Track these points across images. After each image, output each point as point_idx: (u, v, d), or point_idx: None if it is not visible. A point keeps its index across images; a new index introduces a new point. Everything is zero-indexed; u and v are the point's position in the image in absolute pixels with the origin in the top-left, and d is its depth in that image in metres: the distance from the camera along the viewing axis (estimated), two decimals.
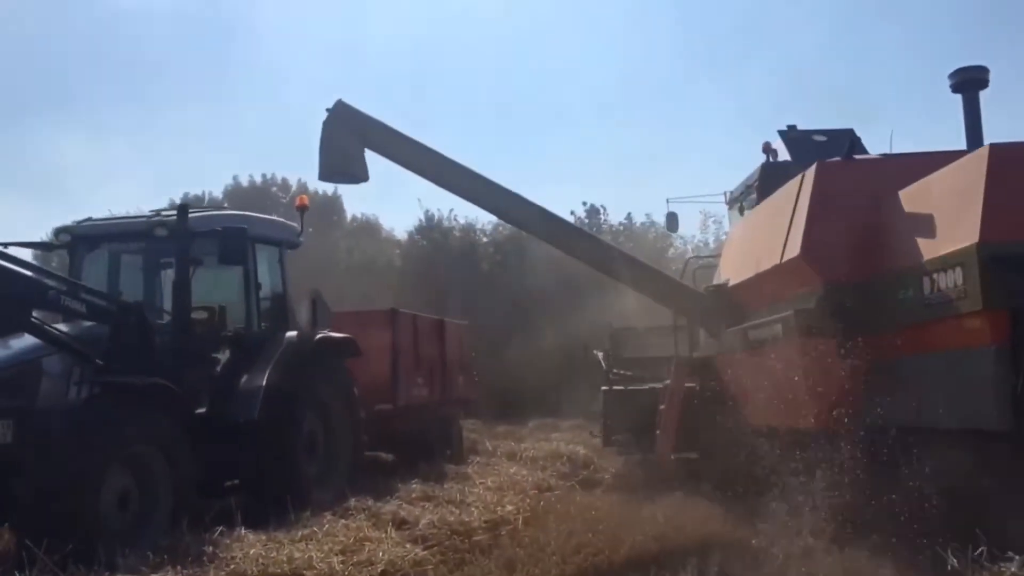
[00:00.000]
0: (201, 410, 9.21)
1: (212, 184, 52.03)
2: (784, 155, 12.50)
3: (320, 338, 10.53)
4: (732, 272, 9.93)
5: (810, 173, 8.02)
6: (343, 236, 40.29)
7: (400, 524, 8.47)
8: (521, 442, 19.00)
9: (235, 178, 40.45)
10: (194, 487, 8.21)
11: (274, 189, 40.63)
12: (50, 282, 7.86)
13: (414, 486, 10.66)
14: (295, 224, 11.16)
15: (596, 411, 14.23)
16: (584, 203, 39.09)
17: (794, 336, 7.66)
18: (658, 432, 11.48)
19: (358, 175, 10.08)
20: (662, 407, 11.43)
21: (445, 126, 52.68)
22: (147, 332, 8.59)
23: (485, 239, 36.97)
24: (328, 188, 40.98)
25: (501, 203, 10.36)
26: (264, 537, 7.54)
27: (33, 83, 51.01)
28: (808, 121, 13.11)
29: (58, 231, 9.49)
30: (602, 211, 38.22)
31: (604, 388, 13.66)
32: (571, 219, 39.44)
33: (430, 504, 9.80)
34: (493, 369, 28.42)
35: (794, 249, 7.73)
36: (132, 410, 7.75)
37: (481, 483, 11.61)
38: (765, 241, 8.66)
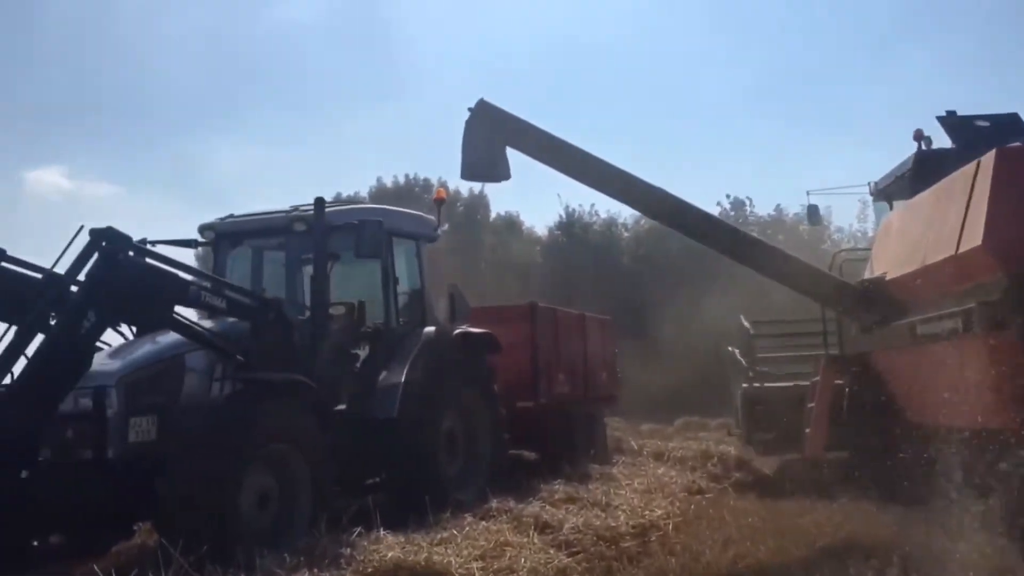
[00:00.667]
0: (340, 407, 9.08)
1: (358, 185, 53.45)
2: (938, 143, 12.06)
3: (459, 333, 10.27)
4: (889, 265, 9.50)
5: (988, 159, 7.55)
6: (487, 234, 40.51)
7: (543, 528, 8.06)
8: (668, 441, 18.39)
9: (379, 179, 41.21)
10: (334, 486, 8.05)
11: (417, 189, 41.16)
12: (192, 278, 7.85)
13: (557, 487, 10.23)
14: (432, 217, 10.94)
15: (734, 408, 14.05)
16: (728, 195, 37.91)
17: (977, 330, 7.30)
18: (807, 431, 11.19)
19: (500, 174, 9.97)
20: (810, 405, 11.11)
21: (583, 121, 52.22)
22: (287, 328, 8.51)
23: (627, 233, 36.29)
24: (475, 187, 41.36)
25: (643, 198, 10.16)
26: (402, 539, 7.29)
27: (200, 94, 53.63)
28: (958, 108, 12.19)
29: (202, 228, 9.59)
30: (748, 203, 36.91)
31: (744, 385, 13.48)
32: (716, 211, 38.62)
33: (574, 507, 9.36)
34: (637, 366, 27.90)
35: (974, 239, 7.31)
36: (272, 407, 7.65)
37: (628, 485, 11.09)
38: (933, 232, 8.27)
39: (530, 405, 12.31)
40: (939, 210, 8.41)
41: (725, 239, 10.39)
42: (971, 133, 11.29)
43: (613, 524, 8.37)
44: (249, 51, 56.13)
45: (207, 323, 8.37)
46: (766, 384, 13.35)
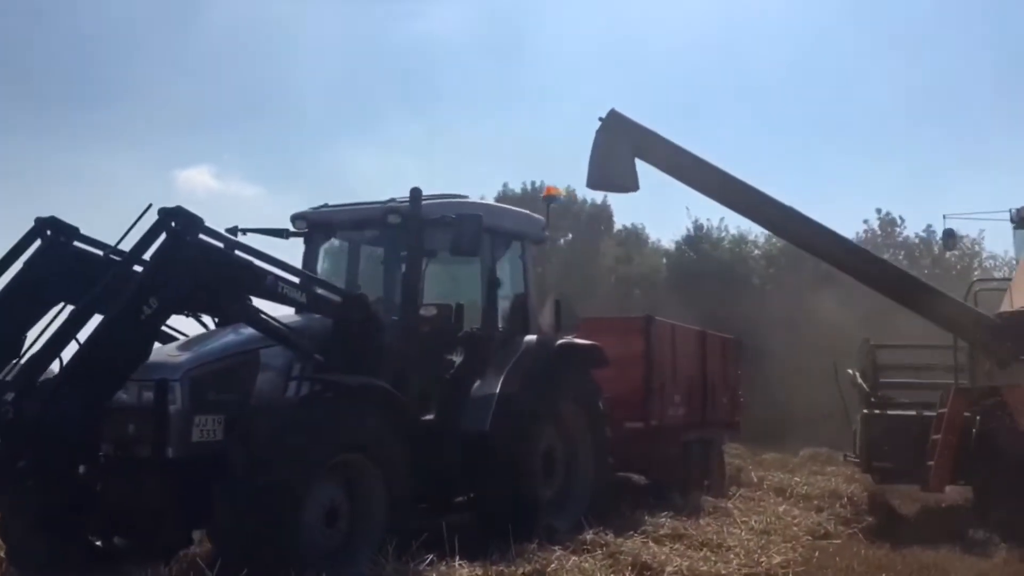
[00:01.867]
0: (428, 417, 8.38)
1: (485, 191, 53.46)
2: None
3: (562, 344, 9.41)
4: None
5: None
6: (610, 246, 39.55)
7: (641, 570, 7.13)
8: (791, 474, 17.02)
9: (505, 185, 40.73)
10: (413, 504, 7.32)
11: (542, 195, 40.58)
12: (271, 268, 7.27)
13: (664, 521, 9.20)
14: (541, 217, 10.12)
15: (852, 433, 13.67)
16: (878, 210, 35.71)
17: None
18: (930, 463, 10.95)
19: (628, 185, 9.99)
20: (935, 436, 10.90)
21: (720, 135, 50.69)
22: (375, 329, 7.85)
23: (757, 251, 34.63)
24: (598, 196, 40.46)
25: (778, 219, 10.06)
26: (480, 571, 6.47)
27: (341, 100, 54.71)
28: None
29: (294, 217, 9.04)
30: (899, 222, 34.66)
31: (864, 411, 13.17)
32: (863, 228, 36.50)
33: (680, 546, 8.36)
34: (762, 390, 26.42)
35: None
36: (347, 413, 6.97)
37: (744, 523, 9.96)
38: None
39: (640, 426, 11.35)
40: None
41: (860, 266, 10.16)
42: None
43: (724, 572, 7.31)
44: (390, 60, 57.07)
45: (291, 318, 7.80)
46: (888, 412, 12.97)
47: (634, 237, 40.52)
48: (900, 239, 33.93)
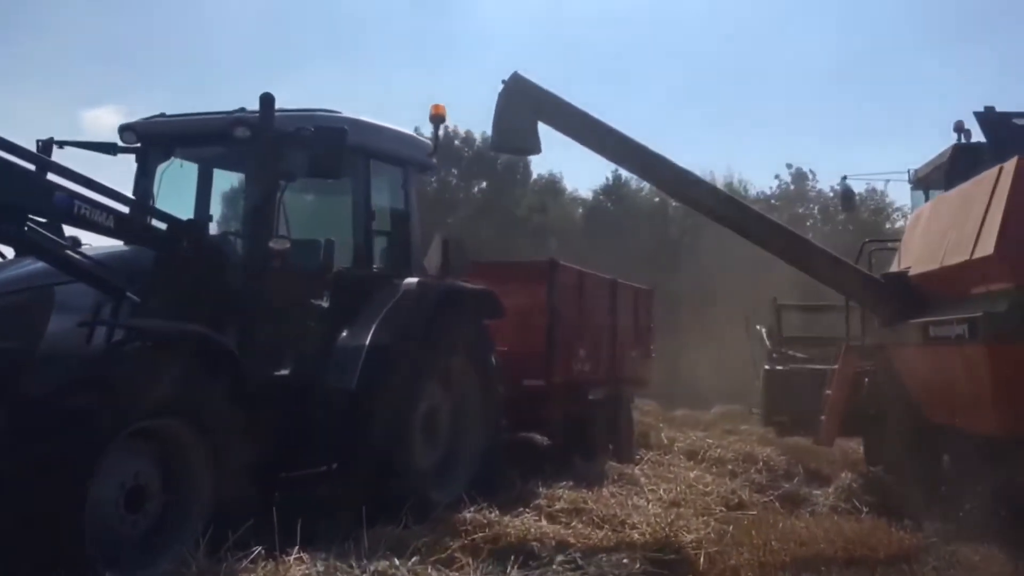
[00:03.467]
0: (281, 373, 7.01)
1: None
2: (978, 136, 11.57)
3: (450, 288, 8.09)
4: (914, 260, 9.40)
5: (1010, 166, 7.41)
6: (525, 195, 38.30)
7: (526, 559, 5.89)
8: (704, 433, 16.20)
9: (417, 129, 38.93)
10: (247, 481, 5.93)
11: (457, 143, 38.94)
12: (69, 184, 5.73)
13: (561, 492, 8.03)
14: (427, 140, 8.70)
15: (758, 388, 13.98)
16: (789, 165, 35.27)
17: (981, 340, 7.28)
18: (823, 417, 11.17)
19: (530, 147, 9.76)
20: (828, 391, 11.14)
21: (644, 97, 49.94)
22: (210, 264, 6.41)
23: (676, 202, 33.74)
24: None
25: (672, 182, 9.94)
26: (321, 567, 5.16)
27: (253, 43, 51.87)
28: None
29: (122, 129, 7.43)
30: (810, 176, 34.23)
31: (766, 367, 13.64)
32: (775, 184, 36.11)
33: (578, 523, 7.18)
34: (676, 344, 25.72)
35: (987, 247, 7.31)
36: (155, 367, 5.51)
37: (652, 491, 8.90)
38: (954, 232, 8.23)
39: (540, 384, 10.14)
40: (962, 210, 8.28)
41: (748, 224, 9.88)
42: (1007, 131, 10.73)
43: (626, 559, 6.14)
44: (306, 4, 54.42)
45: (106, 251, 6.30)
46: (787, 367, 13.45)
47: (551, 187, 39.36)
48: (813, 193, 33.55)
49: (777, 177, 35.40)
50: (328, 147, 6.56)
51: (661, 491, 8.92)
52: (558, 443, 11.10)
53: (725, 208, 10.13)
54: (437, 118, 8.46)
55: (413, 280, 7.92)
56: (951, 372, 8.20)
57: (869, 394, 10.95)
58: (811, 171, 34.50)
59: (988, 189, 7.80)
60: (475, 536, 6.25)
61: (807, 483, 10.58)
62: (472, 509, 6.82)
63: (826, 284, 10.34)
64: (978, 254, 7.55)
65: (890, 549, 7.57)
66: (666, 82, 53.67)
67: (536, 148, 9.80)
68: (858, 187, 31.15)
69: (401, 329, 7.39)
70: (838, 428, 11.19)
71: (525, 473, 8.76)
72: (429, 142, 8.67)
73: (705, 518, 8.19)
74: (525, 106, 9.41)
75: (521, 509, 7.27)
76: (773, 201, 34.67)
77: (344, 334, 7.35)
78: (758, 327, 15.55)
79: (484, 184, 38.81)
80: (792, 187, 34.25)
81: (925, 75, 51.04)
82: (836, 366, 11.32)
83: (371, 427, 7.03)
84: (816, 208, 34.00)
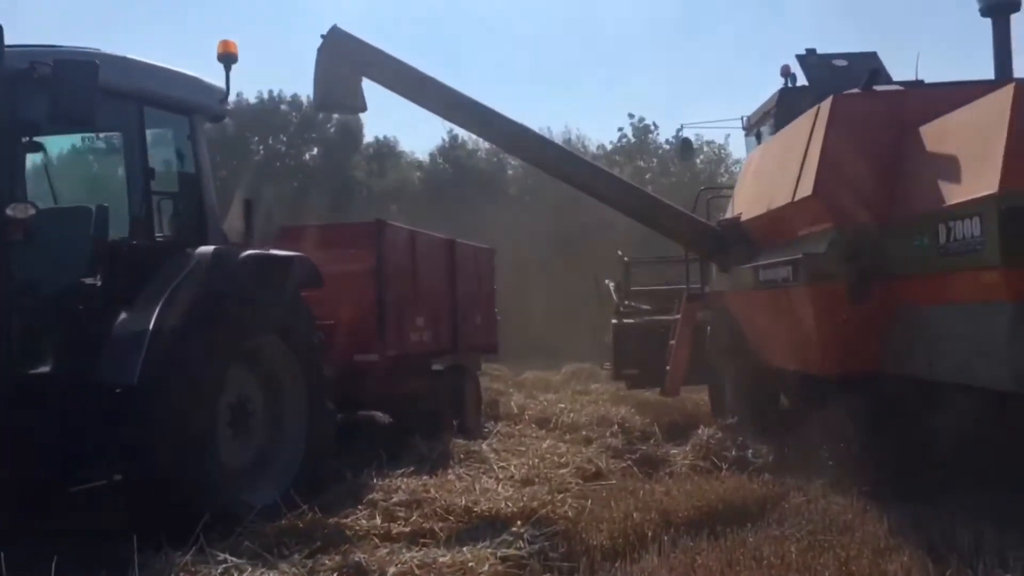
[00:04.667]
0: (41, 369, 5.68)
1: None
2: (804, 79, 11.78)
3: (253, 256, 6.88)
4: (745, 206, 9.43)
5: (826, 105, 7.50)
6: (360, 160, 36.71)
7: None
8: (556, 394, 15.59)
9: (239, 95, 36.53)
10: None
11: (283, 107, 36.84)
12: None
13: (399, 483, 7.02)
14: (219, 85, 7.38)
15: (607, 343, 14.01)
16: (631, 115, 35.14)
17: (803, 281, 7.35)
18: (667, 367, 11.27)
19: (355, 105, 9.60)
20: (672, 342, 11.28)
21: (478, 61, 48.93)
22: None
23: (514, 161, 33.10)
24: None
25: (503, 134, 9.71)
26: None
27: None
28: (844, 46, 12.05)
29: None
30: (653, 129, 34.22)
31: (614, 321, 13.63)
32: (618, 135, 36.01)
33: (419, 517, 6.24)
34: (523, 305, 25.14)
35: (807, 188, 7.35)
36: None
37: (502, 469, 8.05)
38: (778, 176, 8.23)
39: (374, 359, 9.08)
40: (785, 154, 8.23)
41: (583, 176, 9.82)
42: (828, 72, 10.90)
43: (472, 562, 5.20)
44: None
45: None
46: (635, 320, 13.52)
47: (387, 150, 37.93)
48: (654, 147, 33.60)
49: (620, 130, 35.25)
50: (74, 87, 5.23)
51: (512, 468, 8.07)
52: (398, 422, 10.14)
53: (557, 160, 9.86)
54: (227, 56, 7.20)
55: (207, 249, 6.66)
56: (780, 314, 8.21)
57: (710, 342, 11.00)
58: (653, 123, 34.54)
59: (807, 130, 7.72)
60: (289, 549, 5.20)
61: (664, 442, 10.00)
62: (288, 515, 5.73)
63: (663, 234, 10.17)
64: (799, 195, 7.50)
65: (753, 507, 7.13)
66: (497, 47, 52.98)
67: (361, 106, 9.55)
68: (695, 138, 31.49)
69: (192, 308, 6.15)
70: (682, 378, 11.33)
71: (359, 462, 7.71)
72: (221, 87, 7.35)
73: (561, 495, 7.43)
74: (347, 61, 9.14)
75: (350, 510, 6.26)
76: (616, 157, 34.59)
77: (122, 318, 6.06)
78: (606, 282, 15.51)
79: (315, 151, 36.97)
80: (634, 140, 34.16)
81: (757, 24, 52.54)
82: (679, 316, 11.42)
83: (159, 428, 5.81)
84: (655, 161, 34.08)
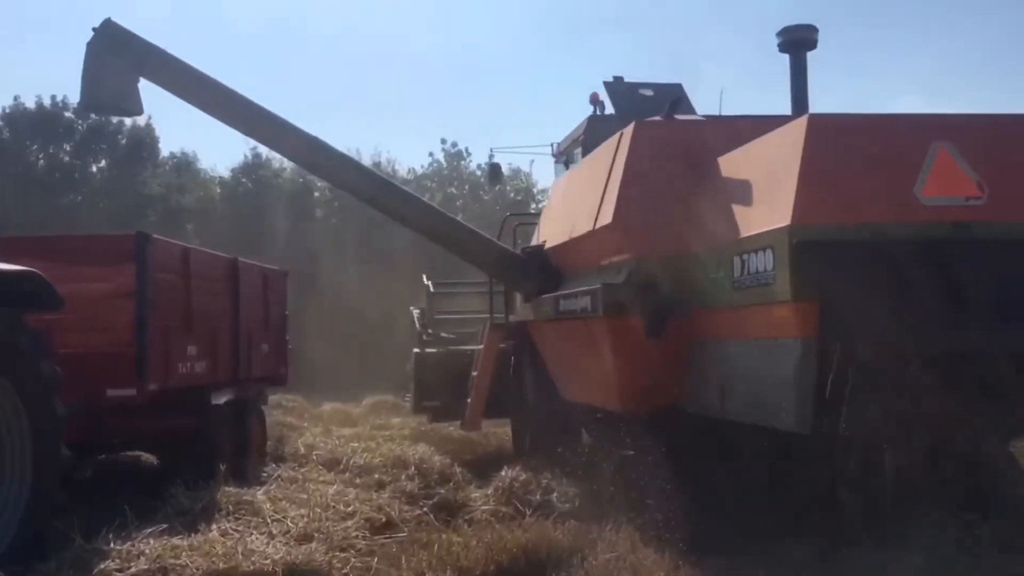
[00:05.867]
0: None
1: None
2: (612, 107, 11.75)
3: None
4: (549, 233, 9.23)
5: (628, 132, 7.39)
6: (155, 176, 34.24)
7: None
8: (354, 428, 14.58)
9: (16, 98, 33.35)
10: None
11: (68, 114, 33.88)
12: None
13: (142, 547, 5.81)
14: None
15: (408, 373, 13.52)
16: (443, 140, 34.74)
17: (601, 312, 7.10)
18: (468, 400, 11.02)
19: (130, 107, 8.97)
20: (474, 373, 11.04)
21: (289, 79, 47.30)
22: None
23: (321, 182, 31.90)
24: (140, 119, 34.83)
25: (293, 145, 9.18)
26: None
27: None
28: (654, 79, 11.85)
29: None
30: (465, 154, 33.88)
31: (416, 350, 13.21)
32: (429, 161, 35.42)
33: None
34: (326, 331, 24.03)
35: (606, 216, 7.21)
36: None
37: (276, 522, 6.99)
38: (581, 203, 8.06)
39: (131, 394, 7.80)
40: (588, 181, 8.04)
41: (385, 198, 9.35)
42: (635, 101, 10.84)
43: None
44: None
45: None
46: (436, 349, 13.09)
47: (185, 165, 35.65)
48: (468, 172, 33.26)
49: (431, 155, 34.69)
50: None
51: (289, 521, 7.03)
52: (164, 465, 8.88)
53: (355, 178, 9.40)
54: None
55: None
56: (579, 347, 7.94)
57: (513, 374, 10.67)
58: (466, 149, 34.20)
59: (610, 157, 7.52)
60: None
61: (465, 485, 9.23)
62: None
63: (466, 259, 9.78)
64: (600, 223, 7.32)
65: (558, 559, 6.48)
66: (310, 67, 51.55)
67: (136, 108, 9.04)
68: (507, 165, 31.45)
69: None
70: (482, 411, 11.03)
71: (98, 519, 6.43)
72: None
73: (343, 553, 6.52)
74: (121, 59, 8.57)
75: None
76: (427, 183, 33.97)
77: None
78: (412, 308, 15.09)
79: (103, 162, 34.18)
80: (446, 167, 33.65)
81: (572, 55, 53.61)
82: (481, 346, 11.08)
83: None
84: (467, 187, 33.73)
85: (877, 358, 5.22)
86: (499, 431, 12.70)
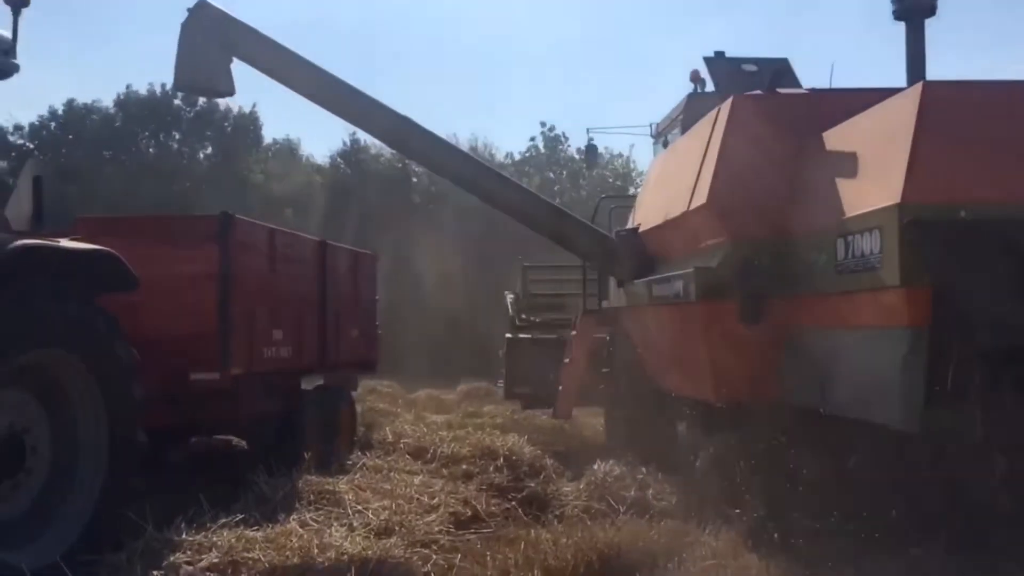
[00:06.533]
0: None
1: (101, 93, 47.06)
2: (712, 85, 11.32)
3: (29, 248, 5.37)
4: (644, 216, 8.86)
5: (725, 107, 6.98)
6: (258, 160, 34.88)
7: None
8: (446, 416, 14.33)
9: (129, 87, 34.36)
10: None
11: (177, 102, 34.77)
12: None
13: (216, 538, 5.57)
14: (3, 32, 5.87)
15: (501, 359, 13.32)
16: (543, 124, 34.32)
17: (694, 297, 6.73)
18: (559, 388, 10.70)
19: (222, 88, 8.83)
20: (566, 360, 10.70)
21: (387, 63, 47.65)
22: None
23: (418, 167, 31.86)
24: (245, 104, 35.55)
25: (391, 129, 8.90)
26: None
27: None
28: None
29: None
30: (563, 139, 33.39)
31: (508, 336, 12.95)
32: (528, 145, 35.13)
33: None
34: (423, 319, 23.96)
35: (701, 197, 6.80)
36: None
37: (357, 514, 6.70)
38: (677, 184, 7.66)
39: (215, 378, 7.64)
40: (684, 161, 7.66)
41: (475, 178, 9.04)
42: (737, 78, 10.37)
43: None
44: None
45: None
46: (529, 335, 12.80)
47: (287, 152, 36.21)
48: (567, 157, 32.80)
49: (531, 139, 34.39)
50: None
51: (371, 513, 6.74)
52: (253, 452, 8.75)
53: (453, 162, 9.14)
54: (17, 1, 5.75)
55: None
56: (673, 335, 7.64)
57: (607, 362, 10.33)
58: (564, 135, 33.74)
59: (706, 134, 7.13)
60: None
61: (556, 478, 8.81)
62: None
63: (560, 244, 9.38)
64: (694, 204, 6.93)
65: (653, 558, 6.03)
66: (414, 53, 51.93)
67: (228, 89, 8.85)
68: (603, 147, 30.80)
69: None
70: (574, 400, 10.70)
71: (176, 507, 6.24)
72: (5, 33, 5.90)
73: (425, 549, 6.17)
74: (215, 39, 8.43)
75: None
76: (526, 168, 33.64)
77: None
78: (507, 293, 14.78)
79: (210, 149, 34.99)
80: (544, 151, 33.28)
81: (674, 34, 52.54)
82: (574, 333, 10.70)
83: None
84: (565, 173, 33.26)
85: (1000, 349, 4.66)
86: (594, 421, 12.26)
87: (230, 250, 7.69)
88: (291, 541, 5.73)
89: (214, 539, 5.54)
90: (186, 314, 7.49)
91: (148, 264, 6.50)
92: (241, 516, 6.12)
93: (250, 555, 5.38)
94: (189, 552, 5.33)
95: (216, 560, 5.25)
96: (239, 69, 8.92)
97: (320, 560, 5.44)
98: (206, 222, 7.78)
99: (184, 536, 5.50)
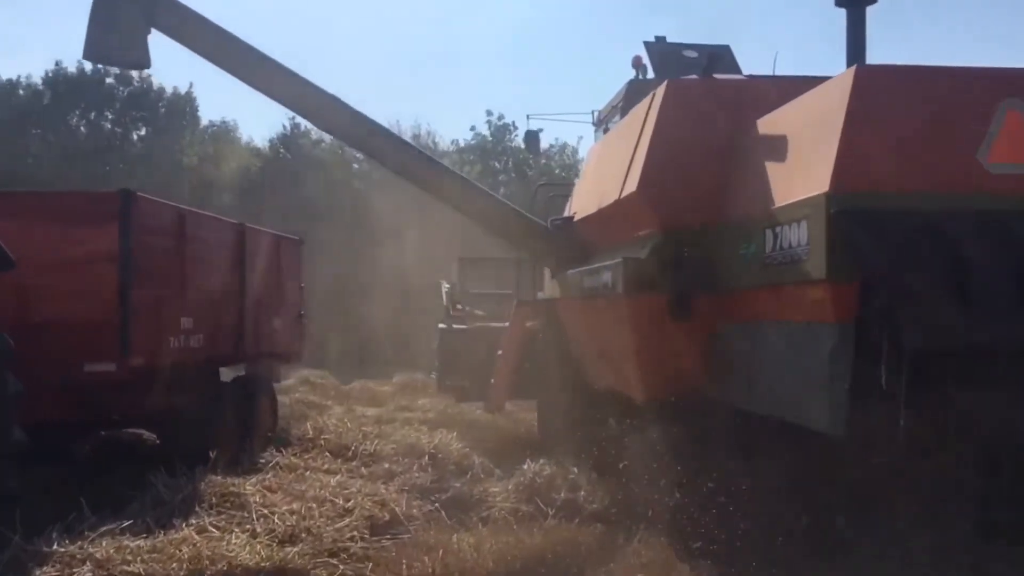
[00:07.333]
0: None
1: (30, 68, 45.39)
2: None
3: None
4: (580, 205, 8.65)
5: (659, 92, 6.63)
6: (193, 143, 33.79)
7: None
8: (379, 408, 13.79)
9: (59, 63, 33.00)
10: None
11: (110, 80, 33.47)
12: None
13: (90, 548, 5.00)
14: None
15: (434, 350, 12.87)
16: (489, 112, 33.72)
17: (622, 289, 6.38)
18: (492, 380, 10.53)
19: (136, 60, 8.63)
20: (499, 352, 10.48)
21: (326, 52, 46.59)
22: None
23: (360, 154, 31.17)
24: (181, 84, 34.40)
25: (313, 105, 8.64)
26: None
27: None
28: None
29: None
30: (512, 128, 32.88)
31: (441, 326, 12.61)
32: (471, 135, 34.60)
33: None
34: (362, 308, 23.39)
35: (632, 184, 6.49)
36: None
37: (262, 519, 6.17)
38: (611, 171, 7.40)
39: (111, 369, 7.03)
40: (618, 148, 7.40)
41: (413, 167, 8.79)
42: (677, 63, 10.08)
43: None
44: None
45: None
46: (467, 326, 12.44)
47: (224, 134, 35.17)
48: (512, 148, 32.31)
49: (473, 128, 33.81)
50: None
51: (277, 518, 6.21)
52: (161, 447, 8.17)
53: (389, 149, 8.80)
54: None
55: None
56: (601, 328, 7.31)
57: (540, 354, 9.99)
58: (513, 123, 33.22)
59: (640, 120, 6.81)
60: None
61: (483, 478, 8.34)
62: None
63: (493, 233, 9.13)
64: (625, 192, 6.65)
65: (581, 564, 5.70)
66: (360, 38, 50.91)
67: (144, 61, 8.61)
68: (550, 137, 30.43)
69: None
70: (506, 393, 10.49)
71: (56, 512, 5.65)
72: None
73: (332, 559, 5.69)
74: (133, 8, 8.12)
75: None
76: (470, 157, 33.09)
77: None
78: (443, 283, 14.29)
79: (144, 130, 33.79)
80: (491, 139, 32.74)
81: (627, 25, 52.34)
82: (507, 324, 10.52)
83: None
84: (510, 162, 32.80)
85: (930, 348, 4.28)
86: (531, 416, 11.86)
87: (132, 231, 7.08)
88: (180, 551, 5.21)
89: (90, 549, 4.99)
90: (81, 299, 6.90)
91: (40, 244, 5.94)
92: (129, 522, 5.57)
93: (129, 568, 4.85)
94: (59, 565, 4.77)
95: (88, 574, 4.68)
96: (174, 48, 8.51)
97: (209, 572, 4.91)
98: (105, 199, 7.16)
99: (55, 547, 4.93)
